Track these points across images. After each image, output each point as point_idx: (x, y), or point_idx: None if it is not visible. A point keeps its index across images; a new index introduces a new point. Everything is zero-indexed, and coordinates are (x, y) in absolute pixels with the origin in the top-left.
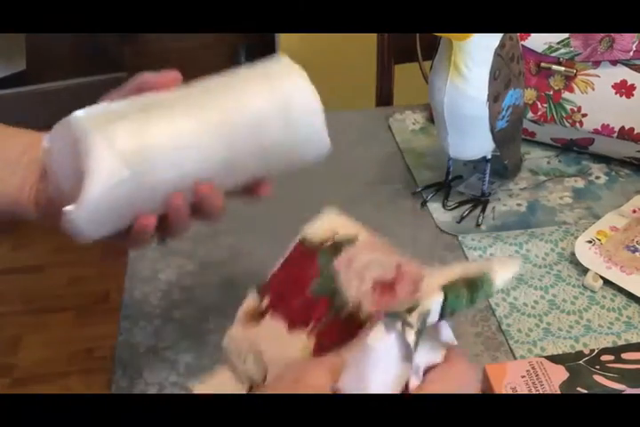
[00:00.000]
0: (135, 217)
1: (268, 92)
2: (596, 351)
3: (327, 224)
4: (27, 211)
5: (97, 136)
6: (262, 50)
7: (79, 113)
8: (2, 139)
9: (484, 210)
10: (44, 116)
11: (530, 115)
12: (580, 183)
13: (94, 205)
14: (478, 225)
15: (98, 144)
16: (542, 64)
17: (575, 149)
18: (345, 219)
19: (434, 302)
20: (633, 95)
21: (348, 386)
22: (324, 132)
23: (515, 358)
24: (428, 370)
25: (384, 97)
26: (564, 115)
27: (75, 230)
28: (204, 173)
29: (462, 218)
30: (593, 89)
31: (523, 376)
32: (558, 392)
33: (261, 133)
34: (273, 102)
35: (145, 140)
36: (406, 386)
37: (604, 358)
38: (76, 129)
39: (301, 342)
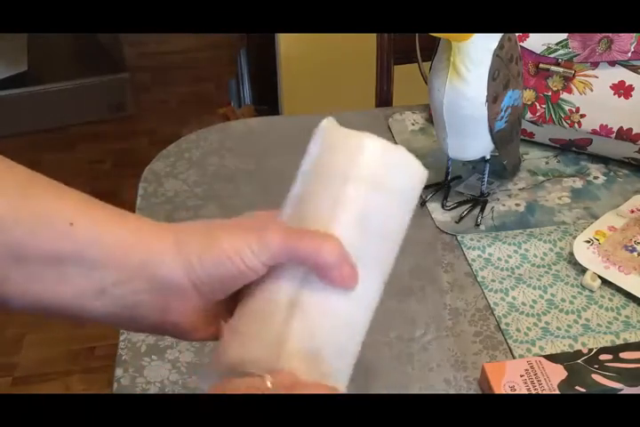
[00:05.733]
0: None
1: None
2: (595, 351)
3: None
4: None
5: None
6: (262, 50)
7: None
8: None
9: (482, 210)
10: (45, 116)
11: (528, 115)
12: (579, 183)
13: None
14: (477, 225)
15: None
16: (541, 65)
17: (574, 149)
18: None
19: None
20: (631, 96)
21: None
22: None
23: (513, 357)
24: None
25: (384, 97)
26: (562, 115)
27: None
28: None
29: (461, 218)
30: (591, 90)
31: (521, 375)
32: (557, 391)
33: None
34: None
35: None
36: None
37: (603, 357)
38: None
39: None
